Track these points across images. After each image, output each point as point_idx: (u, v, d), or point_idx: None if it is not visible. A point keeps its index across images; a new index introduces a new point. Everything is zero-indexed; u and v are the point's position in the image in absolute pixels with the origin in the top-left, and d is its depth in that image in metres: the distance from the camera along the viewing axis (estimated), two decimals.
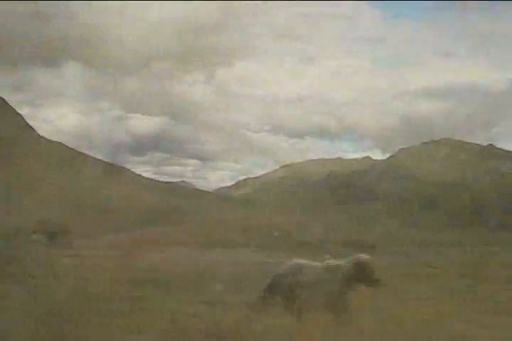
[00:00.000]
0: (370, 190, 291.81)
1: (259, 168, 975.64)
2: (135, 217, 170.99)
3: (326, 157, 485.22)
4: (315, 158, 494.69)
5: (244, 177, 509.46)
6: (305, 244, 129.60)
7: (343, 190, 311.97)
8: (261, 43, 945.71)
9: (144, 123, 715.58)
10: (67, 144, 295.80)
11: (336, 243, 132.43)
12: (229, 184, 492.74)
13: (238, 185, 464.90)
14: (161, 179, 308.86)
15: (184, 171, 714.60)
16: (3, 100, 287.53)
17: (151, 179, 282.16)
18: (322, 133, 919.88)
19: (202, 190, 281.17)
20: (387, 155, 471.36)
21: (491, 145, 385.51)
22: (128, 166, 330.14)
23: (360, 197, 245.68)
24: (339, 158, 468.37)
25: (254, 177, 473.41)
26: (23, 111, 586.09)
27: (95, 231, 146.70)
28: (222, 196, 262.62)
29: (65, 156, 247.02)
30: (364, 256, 16.04)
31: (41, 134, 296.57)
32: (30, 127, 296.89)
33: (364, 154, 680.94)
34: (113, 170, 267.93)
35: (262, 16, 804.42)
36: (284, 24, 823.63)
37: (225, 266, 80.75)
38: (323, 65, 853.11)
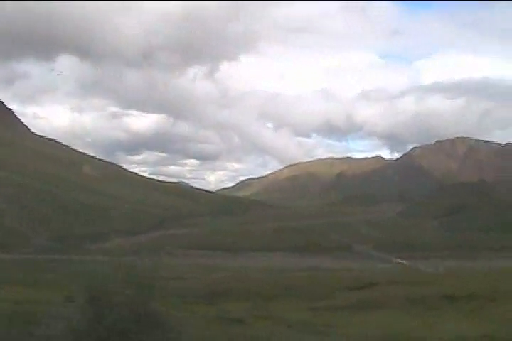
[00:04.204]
0: (385, 191, 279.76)
1: (261, 167, 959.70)
2: (143, 220, 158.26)
3: (335, 156, 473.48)
4: (323, 157, 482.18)
5: (245, 177, 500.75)
6: (334, 248, 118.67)
7: (355, 191, 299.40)
8: (267, 36, 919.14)
9: (140, 121, 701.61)
10: (61, 142, 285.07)
11: (367, 246, 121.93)
12: (230, 185, 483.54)
13: (240, 185, 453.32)
14: (159, 179, 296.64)
15: (182, 171, 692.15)
16: None
17: (152, 179, 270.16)
18: (330, 130, 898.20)
19: (207, 191, 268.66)
20: (398, 155, 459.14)
21: (509, 143, 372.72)
22: (123, 165, 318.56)
23: (374, 198, 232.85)
24: (348, 158, 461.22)
25: (257, 178, 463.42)
26: (13, 106, 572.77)
27: (103, 235, 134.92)
28: (227, 197, 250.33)
29: (60, 154, 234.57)
30: None
31: (33, 131, 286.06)
32: (23, 124, 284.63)
33: (374, 153, 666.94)
34: (111, 169, 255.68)
35: (269, 8, 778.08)
36: (291, 16, 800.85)
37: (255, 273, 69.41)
38: (332, 59, 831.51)
